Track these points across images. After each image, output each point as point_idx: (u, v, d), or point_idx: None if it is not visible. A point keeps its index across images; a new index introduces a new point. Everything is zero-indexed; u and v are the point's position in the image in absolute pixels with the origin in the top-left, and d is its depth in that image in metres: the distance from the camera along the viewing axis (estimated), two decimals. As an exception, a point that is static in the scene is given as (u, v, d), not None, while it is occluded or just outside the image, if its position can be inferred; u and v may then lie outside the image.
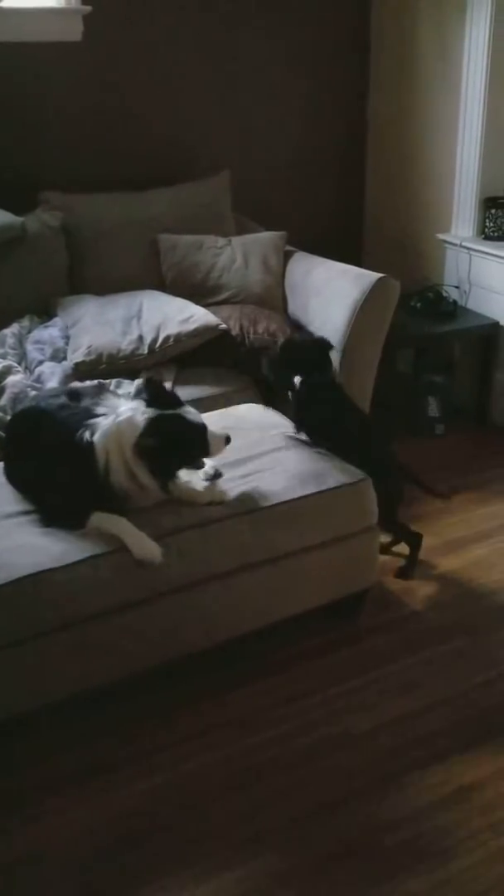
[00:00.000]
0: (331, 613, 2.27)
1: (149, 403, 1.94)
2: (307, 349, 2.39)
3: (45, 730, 1.96)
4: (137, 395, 2.04)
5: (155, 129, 3.35)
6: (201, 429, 1.96)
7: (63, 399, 2.12)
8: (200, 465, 2.03)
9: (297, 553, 2.08)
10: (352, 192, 3.91)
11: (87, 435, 1.91)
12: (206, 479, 2.05)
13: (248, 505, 2.02)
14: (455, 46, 3.22)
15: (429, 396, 3.36)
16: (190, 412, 1.98)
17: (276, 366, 2.39)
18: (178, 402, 2.00)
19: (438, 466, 3.15)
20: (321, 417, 2.31)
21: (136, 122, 3.30)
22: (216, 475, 2.06)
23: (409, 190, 3.66)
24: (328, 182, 3.82)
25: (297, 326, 2.54)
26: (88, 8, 3.03)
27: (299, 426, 2.34)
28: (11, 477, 2.09)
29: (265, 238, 3.17)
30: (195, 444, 1.96)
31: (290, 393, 2.38)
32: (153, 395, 1.97)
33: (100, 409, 2.00)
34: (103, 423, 1.93)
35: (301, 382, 2.33)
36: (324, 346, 2.38)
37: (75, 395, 2.16)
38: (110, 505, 1.92)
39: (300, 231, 3.33)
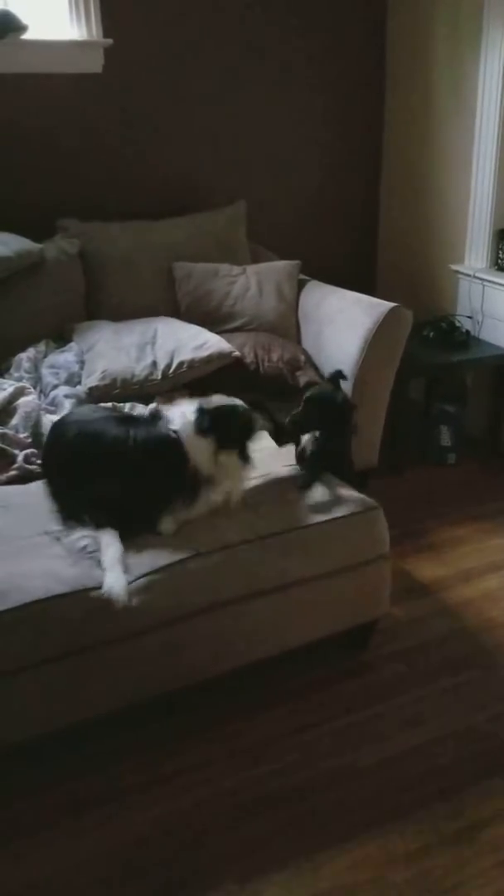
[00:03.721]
0: (340, 643, 2.26)
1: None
2: (333, 408, 2.30)
3: (46, 758, 1.95)
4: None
5: (172, 159, 3.40)
6: (244, 410, 2.14)
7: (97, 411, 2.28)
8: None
9: (308, 581, 2.07)
10: (366, 222, 3.95)
11: (170, 428, 2.05)
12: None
13: (259, 531, 2.02)
14: (469, 80, 3.26)
15: (441, 426, 3.36)
16: (232, 400, 2.16)
17: (300, 420, 2.29)
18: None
19: (450, 496, 3.14)
20: (330, 463, 2.30)
21: (153, 152, 3.36)
22: None
23: (423, 221, 3.69)
24: (343, 212, 3.85)
25: (334, 376, 2.51)
26: (110, 41, 3.10)
27: (306, 468, 2.30)
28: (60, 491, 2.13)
29: (279, 267, 3.20)
30: (245, 423, 2.13)
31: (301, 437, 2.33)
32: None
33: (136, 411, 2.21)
34: (175, 418, 2.07)
35: (319, 438, 2.28)
36: (348, 406, 2.33)
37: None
38: (192, 497, 2.02)
39: (314, 260, 3.35)
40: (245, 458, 2.13)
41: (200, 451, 2.04)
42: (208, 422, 2.05)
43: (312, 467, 2.28)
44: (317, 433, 2.28)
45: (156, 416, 2.15)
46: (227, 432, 2.08)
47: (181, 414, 2.09)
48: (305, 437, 2.29)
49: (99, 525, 1.96)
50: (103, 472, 2.05)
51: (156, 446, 2.04)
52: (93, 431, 2.11)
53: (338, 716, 2.09)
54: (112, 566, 1.87)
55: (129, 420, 2.18)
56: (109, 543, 1.92)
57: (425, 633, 2.38)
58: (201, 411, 2.07)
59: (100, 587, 1.83)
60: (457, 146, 3.41)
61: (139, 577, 1.87)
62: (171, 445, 2.04)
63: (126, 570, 1.87)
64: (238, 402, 2.16)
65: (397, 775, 1.92)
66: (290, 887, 1.67)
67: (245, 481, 2.14)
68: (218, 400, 2.14)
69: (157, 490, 2.03)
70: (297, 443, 2.32)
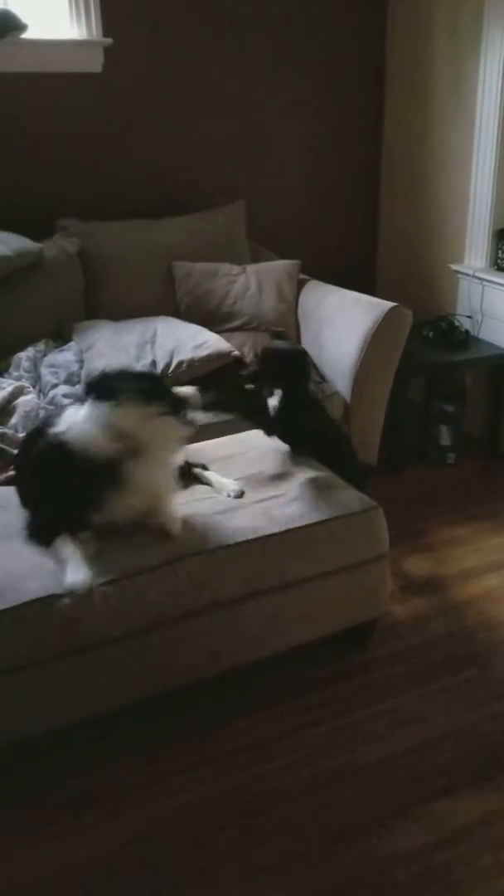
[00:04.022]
0: (339, 643, 2.26)
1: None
2: (286, 359, 2.33)
3: (47, 756, 1.95)
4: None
5: (172, 158, 3.40)
6: (154, 374, 2.01)
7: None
8: (187, 421, 1.97)
9: (307, 581, 2.07)
10: (366, 222, 3.95)
11: (56, 433, 1.90)
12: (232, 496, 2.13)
13: (257, 531, 2.02)
14: (469, 80, 3.26)
15: (440, 425, 3.36)
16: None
17: (258, 378, 2.34)
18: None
19: (450, 496, 3.14)
20: (302, 426, 2.32)
21: (153, 151, 3.36)
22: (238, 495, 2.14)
23: (423, 220, 3.69)
24: (343, 212, 3.86)
25: (278, 335, 2.54)
26: (109, 40, 3.10)
27: (273, 432, 2.33)
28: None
29: (279, 266, 3.20)
30: (161, 386, 1.97)
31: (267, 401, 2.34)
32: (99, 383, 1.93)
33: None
34: (69, 420, 1.91)
35: (283, 393, 2.29)
36: (302, 355, 2.37)
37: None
38: (71, 522, 1.88)
39: (314, 260, 3.36)
40: (175, 416, 1.91)
41: (95, 438, 1.85)
42: (92, 390, 1.87)
43: (274, 422, 2.30)
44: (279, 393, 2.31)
45: (47, 421, 2.01)
46: (126, 395, 1.85)
47: (72, 411, 1.94)
48: (272, 403, 2.30)
49: (47, 543, 1.90)
50: (29, 488, 2.03)
51: (41, 459, 1.94)
52: (25, 442, 2.10)
53: (337, 715, 2.09)
54: (68, 561, 1.83)
55: (38, 431, 2.03)
56: (61, 545, 1.87)
57: (425, 633, 2.39)
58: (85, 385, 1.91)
59: (97, 586, 1.82)
60: (457, 145, 3.41)
61: (136, 575, 1.87)
62: (56, 450, 1.89)
63: (85, 560, 1.84)
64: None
65: (397, 774, 1.92)
66: (289, 886, 1.67)
67: (181, 452, 2.00)
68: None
69: (66, 505, 1.91)
70: (266, 412, 2.31)
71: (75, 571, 1.82)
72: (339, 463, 2.33)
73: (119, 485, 1.86)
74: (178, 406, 1.94)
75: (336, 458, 2.36)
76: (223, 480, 2.19)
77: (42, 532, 1.92)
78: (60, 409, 2.16)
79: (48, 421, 2.03)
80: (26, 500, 2.03)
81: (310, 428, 2.36)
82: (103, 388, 1.88)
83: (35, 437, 2.05)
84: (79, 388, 2.61)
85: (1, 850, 1.75)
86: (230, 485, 2.17)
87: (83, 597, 1.80)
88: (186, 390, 2.02)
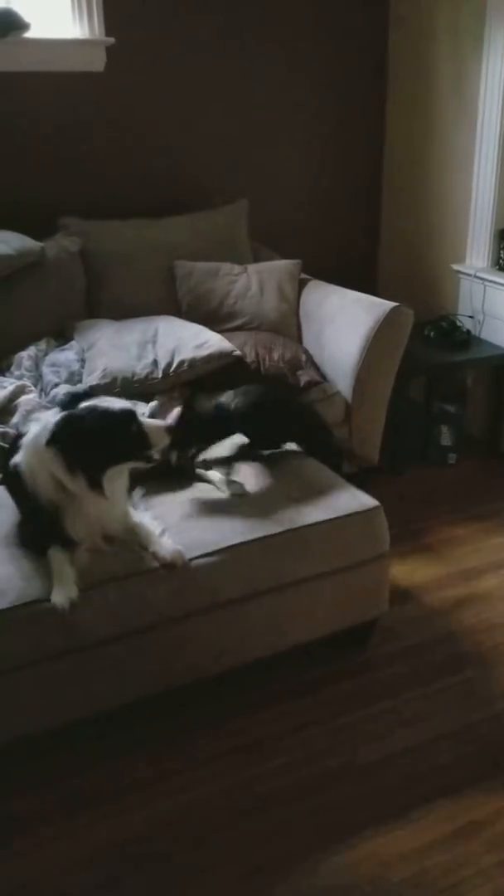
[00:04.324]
0: (340, 642, 2.26)
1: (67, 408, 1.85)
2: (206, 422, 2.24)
3: (45, 756, 1.95)
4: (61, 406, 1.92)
5: (174, 157, 3.40)
6: (124, 416, 1.82)
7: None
8: (149, 458, 1.90)
9: (307, 580, 2.08)
10: (367, 222, 3.95)
11: (14, 459, 1.86)
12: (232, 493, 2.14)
13: (259, 531, 2.02)
14: (471, 79, 3.26)
15: (441, 425, 3.36)
16: (110, 401, 1.86)
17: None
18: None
19: (450, 496, 3.14)
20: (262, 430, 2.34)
21: (155, 150, 3.36)
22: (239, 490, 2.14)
23: (425, 220, 3.69)
24: (344, 212, 3.85)
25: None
26: (111, 40, 3.10)
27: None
28: None
29: (281, 266, 3.20)
30: (121, 434, 1.82)
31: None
32: (73, 403, 1.87)
33: (27, 428, 1.92)
34: (24, 442, 1.87)
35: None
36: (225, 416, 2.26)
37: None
38: (55, 535, 1.84)
39: (316, 259, 3.36)
40: (93, 478, 1.79)
41: (44, 484, 1.81)
42: (62, 439, 1.77)
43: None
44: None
45: (14, 442, 1.95)
46: (88, 451, 1.78)
47: (31, 433, 1.86)
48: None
49: (39, 551, 1.88)
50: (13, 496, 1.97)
51: (5, 477, 1.91)
52: (10, 449, 2.03)
53: (338, 714, 2.09)
54: (54, 578, 1.81)
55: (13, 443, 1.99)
56: (50, 558, 1.85)
57: (425, 633, 2.39)
58: (56, 428, 1.78)
59: (96, 586, 1.83)
60: (459, 145, 3.41)
61: (135, 575, 1.87)
62: (14, 474, 1.86)
63: (70, 577, 1.81)
64: (108, 402, 1.85)
65: (397, 774, 1.92)
66: (289, 885, 1.67)
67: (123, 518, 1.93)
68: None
69: (38, 522, 1.87)
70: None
71: (58, 590, 1.79)
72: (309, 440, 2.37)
73: (66, 520, 1.84)
74: (138, 446, 1.86)
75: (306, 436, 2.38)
76: (226, 479, 2.19)
77: (32, 541, 1.91)
78: (32, 420, 2.10)
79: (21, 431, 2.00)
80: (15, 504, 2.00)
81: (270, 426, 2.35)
82: (61, 422, 1.80)
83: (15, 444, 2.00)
84: (80, 387, 2.61)
85: None
86: (232, 484, 2.17)
87: (85, 597, 1.80)
88: (154, 425, 1.90)
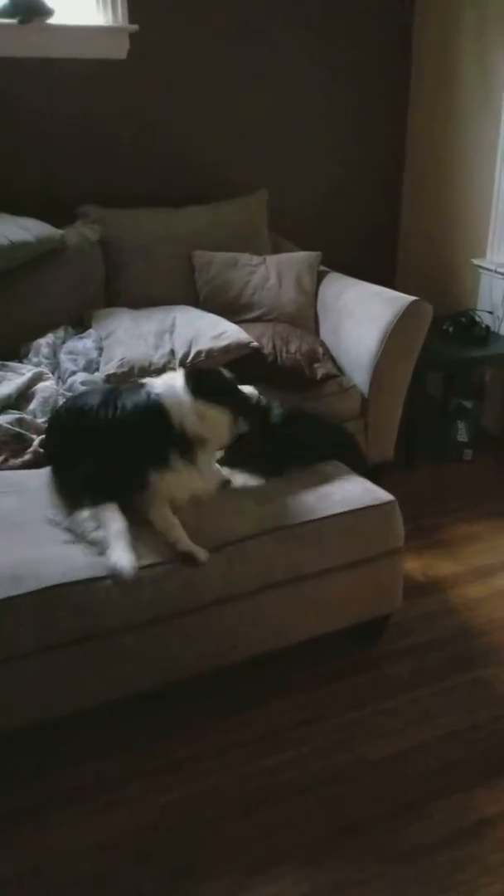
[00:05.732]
0: (352, 637, 2.26)
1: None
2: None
3: (58, 742, 1.97)
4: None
5: (195, 146, 3.38)
6: (233, 380, 2.10)
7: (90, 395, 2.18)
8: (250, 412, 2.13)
9: (321, 574, 2.07)
10: (388, 215, 3.92)
11: (152, 394, 2.00)
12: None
13: (274, 523, 2.02)
14: (495, 72, 3.22)
15: (458, 421, 3.34)
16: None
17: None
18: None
19: (465, 492, 3.12)
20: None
21: (176, 139, 3.35)
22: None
23: (446, 215, 3.66)
24: (365, 204, 3.83)
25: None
26: (135, 27, 3.08)
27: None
28: (61, 468, 2.12)
29: (300, 258, 3.18)
30: (245, 399, 2.11)
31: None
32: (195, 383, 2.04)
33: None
34: (158, 383, 2.04)
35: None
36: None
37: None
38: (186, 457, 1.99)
39: (335, 251, 3.34)
40: (233, 414, 2.06)
41: (184, 410, 1.99)
42: (190, 379, 2.02)
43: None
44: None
45: (138, 384, 2.11)
46: (210, 389, 2.03)
47: (164, 380, 2.07)
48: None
49: (96, 502, 1.93)
50: (91, 445, 2.03)
51: (137, 411, 2.00)
52: (79, 406, 2.11)
53: (348, 709, 2.09)
54: (116, 540, 1.84)
55: (114, 391, 2.12)
56: (111, 518, 1.89)
57: (437, 629, 2.38)
58: (186, 372, 2.07)
59: (112, 574, 1.83)
60: (481, 139, 3.37)
61: (152, 566, 1.87)
62: (153, 408, 1.99)
63: (132, 543, 1.85)
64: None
65: (406, 770, 1.92)
66: (296, 878, 1.67)
67: (226, 441, 2.10)
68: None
69: (145, 453, 1.98)
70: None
71: (123, 554, 1.81)
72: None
73: (185, 461, 1.98)
74: (248, 411, 2.11)
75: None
76: (238, 474, 2.18)
77: (99, 485, 1.94)
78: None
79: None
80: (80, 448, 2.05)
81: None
82: (203, 383, 2.02)
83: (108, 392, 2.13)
84: (97, 376, 2.61)
85: (6, 834, 1.77)
86: (246, 478, 2.16)
87: (102, 585, 1.80)
88: (248, 390, 2.14)
